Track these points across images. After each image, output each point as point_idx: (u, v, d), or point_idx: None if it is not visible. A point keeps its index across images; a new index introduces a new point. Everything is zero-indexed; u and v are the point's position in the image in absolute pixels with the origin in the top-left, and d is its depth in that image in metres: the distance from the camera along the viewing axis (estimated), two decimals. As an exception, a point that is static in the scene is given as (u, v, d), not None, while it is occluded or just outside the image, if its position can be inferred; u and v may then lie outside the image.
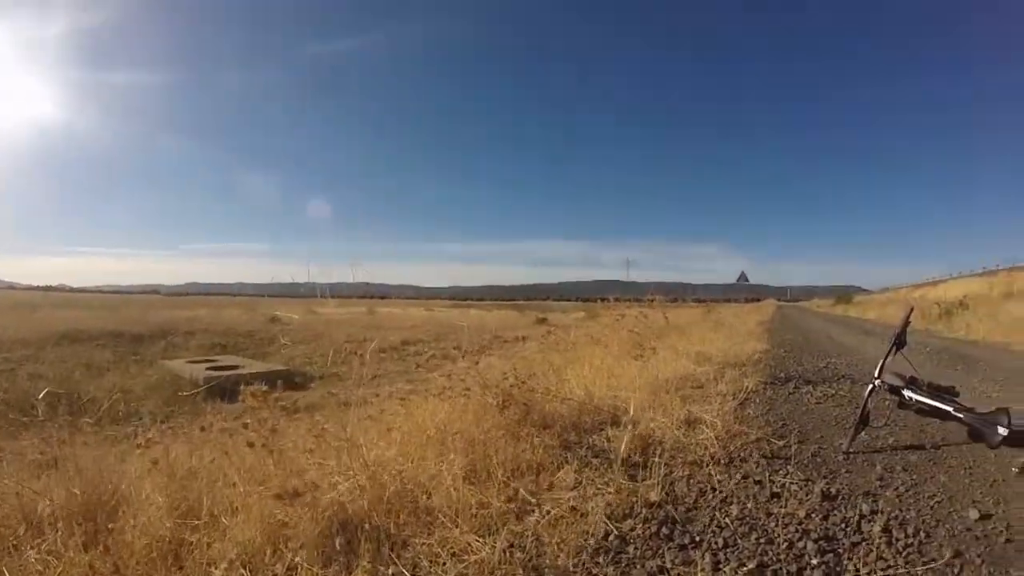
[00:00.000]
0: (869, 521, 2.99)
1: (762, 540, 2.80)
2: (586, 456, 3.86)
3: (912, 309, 4.81)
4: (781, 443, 4.37)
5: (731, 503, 3.24)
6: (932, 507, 3.20)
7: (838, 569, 2.56)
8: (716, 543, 2.77)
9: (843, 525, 2.96)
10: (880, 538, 2.79)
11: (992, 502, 3.25)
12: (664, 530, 2.90)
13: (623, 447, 3.86)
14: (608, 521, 2.91)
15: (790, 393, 6.67)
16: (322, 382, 13.42)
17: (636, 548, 2.73)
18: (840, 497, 3.34)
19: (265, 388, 3.16)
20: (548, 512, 2.96)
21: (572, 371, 6.28)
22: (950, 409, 4.03)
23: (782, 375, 8.10)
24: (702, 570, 2.53)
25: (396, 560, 2.54)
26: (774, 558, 2.63)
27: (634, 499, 3.23)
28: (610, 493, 3.22)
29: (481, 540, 2.67)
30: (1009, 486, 3.49)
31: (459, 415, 3.99)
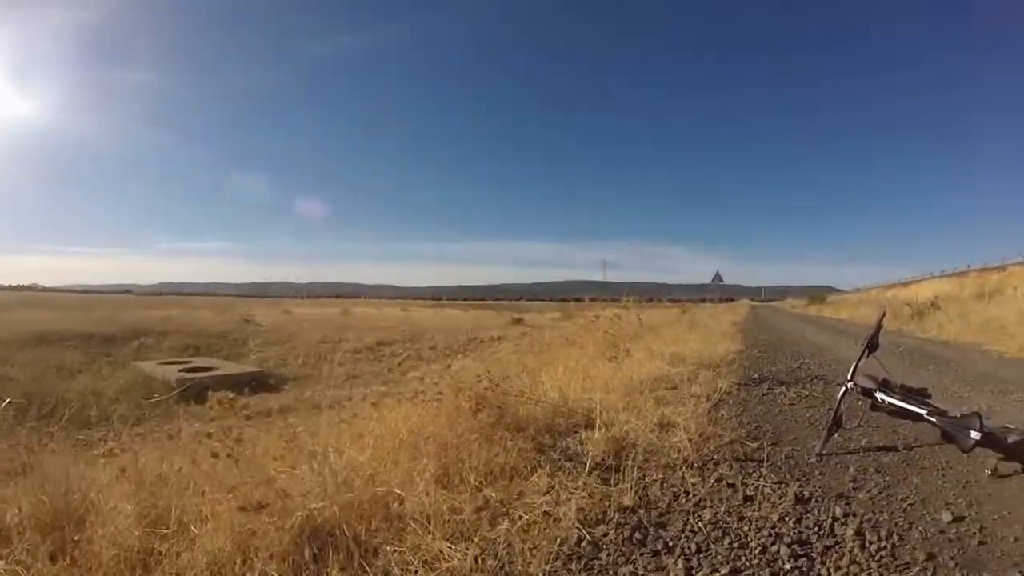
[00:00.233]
0: (842, 524, 2.99)
1: (735, 545, 2.79)
2: (560, 460, 3.84)
3: (884, 313, 4.84)
4: (755, 445, 4.37)
5: (704, 507, 3.23)
6: (905, 509, 3.21)
7: (811, 574, 2.55)
8: (689, 548, 2.76)
9: (816, 529, 2.95)
10: (853, 542, 2.79)
11: (965, 504, 3.27)
12: (637, 535, 2.88)
13: (597, 450, 3.85)
14: (581, 527, 2.88)
15: (764, 394, 6.70)
16: (296, 383, 13.34)
17: (609, 554, 2.71)
18: (813, 500, 3.34)
19: (231, 396, 3.10)
20: (521, 518, 2.93)
21: (547, 373, 6.25)
22: (923, 412, 4.05)
23: (756, 376, 8.14)
24: (675, 576, 2.52)
25: (367, 568, 2.50)
26: (747, 563, 2.62)
27: (607, 503, 3.22)
28: (583, 497, 3.20)
29: (453, 547, 2.63)
30: (982, 487, 3.52)
31: (432, 419, 3.95)
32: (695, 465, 3.88)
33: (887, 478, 3.71)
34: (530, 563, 2.58)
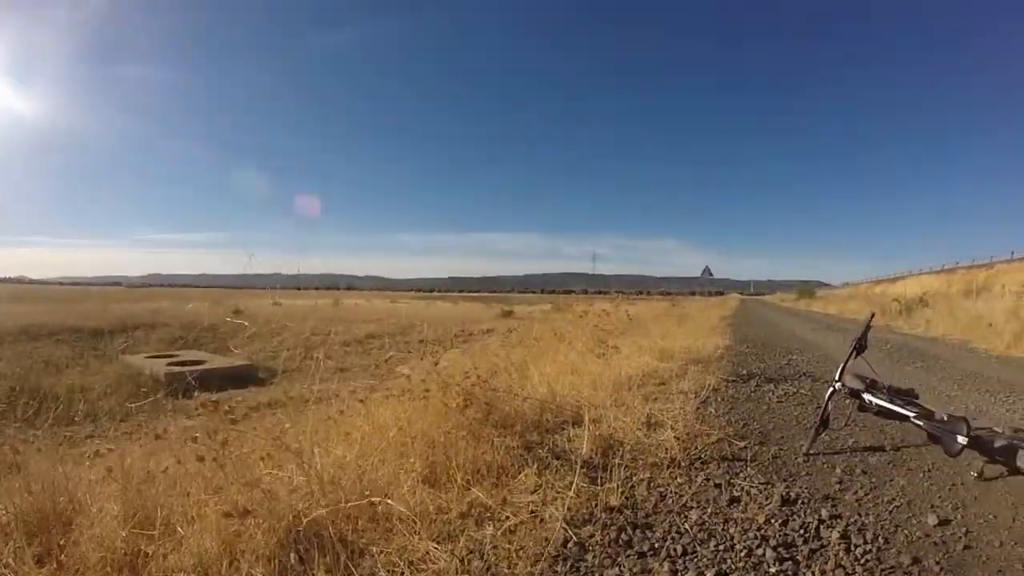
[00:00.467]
0: (828, 527, 3.00)
1: (721, 547, 2.79)
2: (547, 458, 3.83)
3: (873, 315, 4.86)
4: (742, 444, 4.38)
5: (691, 508, 3.23)
6: (891, 512, 3.22)
7: (796, 577, 2.56)
8: (675, 550, 2.76)
9: (802, 531, 2.96)
10: (839, 544, 2.80)
11: (951, 507, 3.29)
12: (623, 536, 2.88)
13: (584, 448, 3.84)
14: (567, 527, 2.87)
15: (752, 391, 6.73)
16: (285, 377, 13.26)
17: (595, 556, 2.70)
18: (799, 501, 3.35)
19: (215, 399, 3.07)
20: (508, 518, 2.93)
21: (535, 368, 6.24)
22: (910, 415, 4.06)
23: (744, 372, 8.18)
24: (660, 579, 2.52)
25: (353, 569, 2.49)
26: (732, 566, 2.62)
27: (594, 503, 3.22)
28: (570, 497, 3.19)
29: (440, 547, 2.63)
30: (968, 490, 3.54)
31: (419, 415, 3.93)
32: (682, 464, 3.88)
33: (874, 479, 3.73)
34: (517, 564, 2.58)
